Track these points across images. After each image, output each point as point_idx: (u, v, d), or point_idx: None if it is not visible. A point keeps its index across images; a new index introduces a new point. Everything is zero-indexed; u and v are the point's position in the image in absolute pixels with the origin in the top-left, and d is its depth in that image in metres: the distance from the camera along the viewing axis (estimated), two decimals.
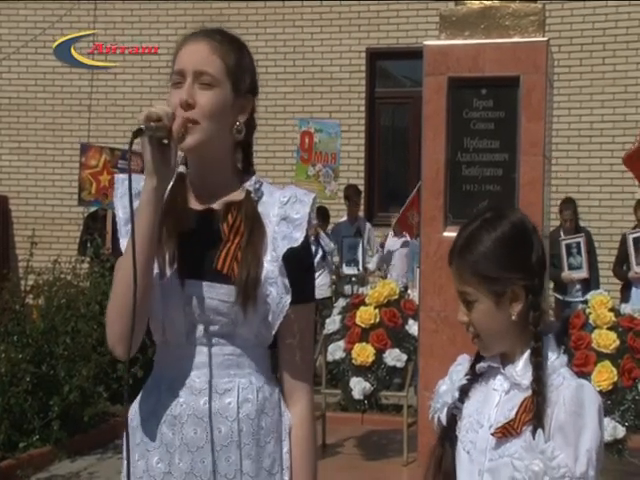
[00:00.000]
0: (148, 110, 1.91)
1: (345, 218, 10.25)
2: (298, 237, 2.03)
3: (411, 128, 11.95)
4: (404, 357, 6.24)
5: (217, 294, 1.96)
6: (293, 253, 2.02)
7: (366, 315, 6.30)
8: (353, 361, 6.20)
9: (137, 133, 1.88)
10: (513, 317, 1.99)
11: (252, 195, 2.07)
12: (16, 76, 12.96)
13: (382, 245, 10.02)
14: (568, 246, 9.07)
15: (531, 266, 2.02)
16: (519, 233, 2.04)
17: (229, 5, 12.07)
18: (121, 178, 2.12)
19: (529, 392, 1.96)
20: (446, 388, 2.11)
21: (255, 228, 2.02)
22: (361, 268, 9.64)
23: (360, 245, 9.69)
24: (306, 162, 9.48)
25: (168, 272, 1.98)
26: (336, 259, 9.89)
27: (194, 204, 2.06)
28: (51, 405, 6.57)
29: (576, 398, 1.93)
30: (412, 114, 11.62)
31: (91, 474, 6.42)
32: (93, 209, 10.70)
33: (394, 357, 6.20)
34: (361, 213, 10.73)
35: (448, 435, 2.08)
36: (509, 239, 2.02)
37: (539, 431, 1.91)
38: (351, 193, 10.17)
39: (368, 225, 10.34)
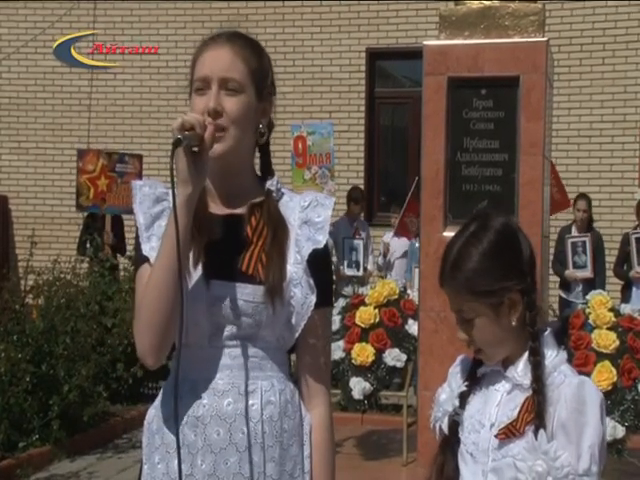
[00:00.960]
0: (182, 119, 1.90)
1: (343, 217, 10.22)
2: (321, 239, 2.05)
3: (411, 128, 11.95)
4: (404, 357, 6.24)
5: (242, 294, 1.97)
6: (316, 255, 2.03)
7: (366, 315, 6.30)
8: (353, 361, 6.20)
9: (176, 143, 1.87)
10: (513, 323, 2.00)
11: (273, 195, 2.09)
12: (16, 76, 12.97)
13: (385, 254, 9.99)
14: (574, 244, 9.04)
15: (522, 268, 2.02)
16: (505, 239, 2.03)
17: (228, 5, 12.07)
18: (139, 184, 2.10)
19: (530, 392, 1.97)
20: (446, 397, 2.09)
21: (278, 227, 2.04)
22: (362, 270, 9.64)
23: (361, 247, 9.69)
24: (301, 166, 9.48)
25: (193, 275, 1.98)
26: (334, 259, 9.89)
27: (215, 208, 2.06)
28: (51, 405, 6.57)
29: (577, 395, 1.94)
30: (412, 114, 11.63)
31: (90, 474, 6.43)
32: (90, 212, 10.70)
33: (394, 357, 6.20)
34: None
35: (450, 442, 2.08)
36: (497, 249, 2.02)
37: (541, 431, 1.91)
38: (357, 196, 10.17)
39: (367, 226, 10.34)
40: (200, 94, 2.01)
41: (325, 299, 2.06)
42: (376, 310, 6.33)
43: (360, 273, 9.63)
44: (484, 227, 2.03)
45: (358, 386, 6.14)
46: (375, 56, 12.10)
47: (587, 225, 9.29)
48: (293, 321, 2.01)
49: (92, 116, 12.62)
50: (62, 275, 7.73)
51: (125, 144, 12.06)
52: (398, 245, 9.93)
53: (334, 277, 9.76)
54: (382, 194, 12.18)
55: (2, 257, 12.09)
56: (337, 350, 6.29)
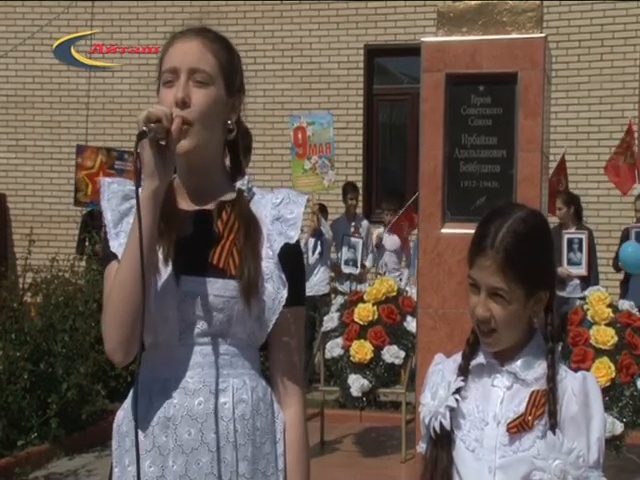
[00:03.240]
0: (147, 111, 1.86)
1: (342, 215, 10.25)
2: (293, 235, 2.02)
3: (409, 125, 11.95)
4: (402, 354, 6.24)
5: (212, 289, 1.94)
6: (288, 251, 2.01)
7: (364, 312, 6.30)
8: (351, 358, 6.20)
9: (141, 136, 1.85)
10: (535, 319, 2.01)
11: (245, 194, 2.06)
12: (14, 74, 12.95)
13: (378, 246, 10.04)
14: (570, 240, 8.99)
15: (556, 268, 2.07)
16: (550, 235, 2.07)
17: (227, 2, 12.06)
18: (107, 182, 2.08)
19: (533, 387, 1.98)
20: (444, 394, 2.05)
21: (251, 224, 2.01)
22: (359, 267, 9.64)
23: (360, 245, 9.69)
24: (301, 157, 9.48)
25: (162, 271, 1.94)
26: (333, 255, 9.90)
27: (185, 205, 2.04)
28: (49, 403, 6.57)
29: (583, 389, 1.98)
30: (410, 111, 11.63)
31: (89, 472, 6.43)
32: (87, 209, 10.70)
33: (392, 354, 6.20)
34: (359, 210, 10.72)
35: (445, 437, 2.06)
36: (550, 242, 2.05)
37: (558, 430, 1.93)
38: (349, 190, 10.18)
39: (365, 223, 10.33)
40: (168, 86, 1.98)
41: (297, 297, 2.03)
42: (374, 307, 6.33)
43: (357, 271, 9.63)
44: (533, 216, 2.02)
45: (356, 383, 6.14)
46: (373, 53, 12.09)
47: (576, 222, 9.25)
48: (264, 316, 1.98)
49: (90, 114, 12.61)
50: (60, 273, 7.73)
51: (123, 142, 12.04)
52: (390, 241, 9.97)
53: (332, 273, 9.78)
54: (380, 191, 12.17)
55: (0, 255, 12.09)
56: (335, 347, 6.30)
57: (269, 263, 1.99)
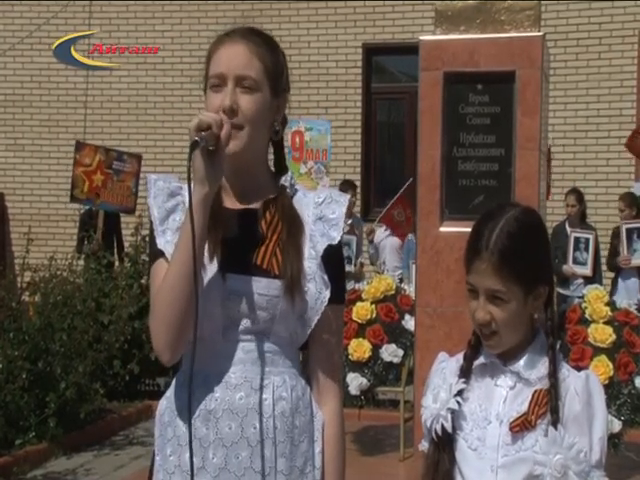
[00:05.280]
0: (198, 119, 1.89)
1: None
2: (335, 236, 2.06)
3: (407, 123, 11.95)
4: (400, 352, 6.24)
5: (257, 287, 1.98)
6: (330, 252, 2.04)
7: (362, 311, 6.30)
8: (350, 357, 6.20)
9: (194, 145, 1.88)
10: (536, 315, 2.01)
11: (287, 190, 2.09)
12: (12, 72, 12.95)
13: (371, 241, 10.05)
14: (577, 239, 8.95)
15: (551, 261, 2.07)
16: (544, 231, 2.07)
17: (224, 1, 12.05)
18: (153, 178, 2.11)
19: (537, 386, 1.98)
20: (445, 396, 2.05)
21: (293, 223, 2.05)
22: (353, 265, 9.63)
23: (354, 242, 9.67)
24: (297, 161, 9.53)
25: (208, 269, 1.98)
26: None
27: (230, 204, 2.07)
28: (47, 402, 6.56)
29: (587, 388, 1.97)
30: (408, 109, 11.63)
31: (87, 470, 6.42)
32: (85, 208, 10.67)
33: (390, 352, 6.20)
34: (356, 208, 10.71)
35: (446, 439, 2.05)
36: (545, 238, 2.05)
37: (560, 426, 1.93)
38: (348, 188, 10.16)
39: (362, 223, 10.32)
40: (216, 91, 2.01)
41: (338, 296, 2.06)
42: (373, 306, 6.32)
43: (351, 269, 9.62)
44: (525, 214, 2.02)
45: (355, 382, 6.14)
46: (371, 51, 12.09)
47: (580, 220, 9.27)
48: (306, 316, 2.02)
49: (88, 113, 12.60)
50: (58, 272, 7.72)
51: (121, 140, 12.04)
52: (390, 241, 9.97)
53: None
54: (378, 189, 12.16)
55: None
56: None
57: (312, 264, 2.03)
